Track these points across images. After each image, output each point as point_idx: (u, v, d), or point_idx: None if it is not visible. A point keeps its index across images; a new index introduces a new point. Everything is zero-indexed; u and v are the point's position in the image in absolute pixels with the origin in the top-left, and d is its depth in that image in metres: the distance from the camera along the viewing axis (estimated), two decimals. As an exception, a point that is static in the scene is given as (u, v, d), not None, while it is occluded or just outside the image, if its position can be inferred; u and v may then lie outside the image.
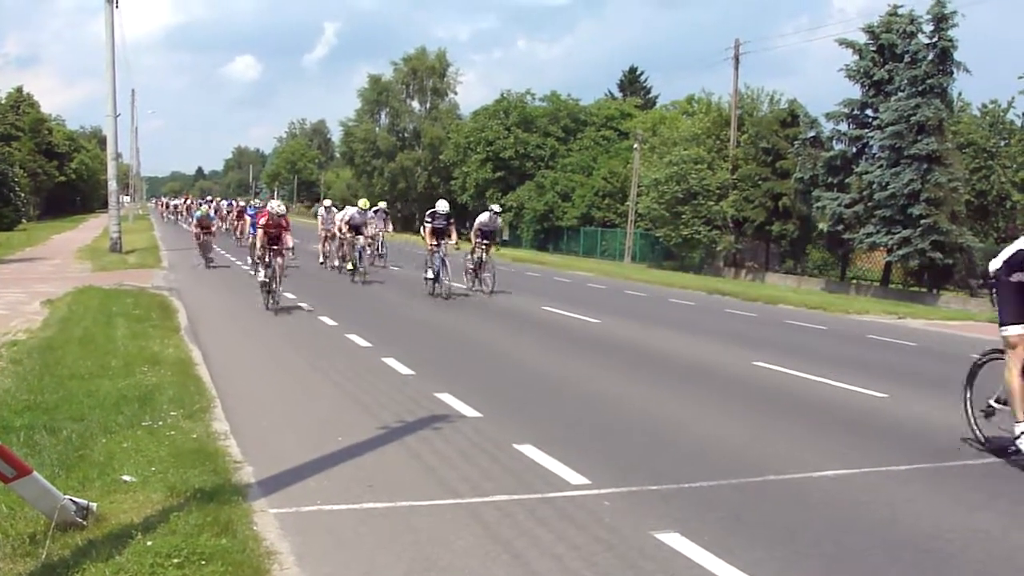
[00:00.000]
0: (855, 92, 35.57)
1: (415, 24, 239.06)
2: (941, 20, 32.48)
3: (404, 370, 10.44)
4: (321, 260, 27.28)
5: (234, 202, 49.72)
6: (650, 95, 68.30)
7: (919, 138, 31.73)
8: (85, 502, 4.87)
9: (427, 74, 73.74)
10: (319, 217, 28.72)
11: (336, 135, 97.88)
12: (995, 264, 7.40)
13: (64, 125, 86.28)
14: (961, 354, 15.28)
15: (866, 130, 34.58)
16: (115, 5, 30.82)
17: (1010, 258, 7.27)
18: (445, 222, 19.70)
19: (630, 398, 9.60)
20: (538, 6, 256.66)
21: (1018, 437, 7.04)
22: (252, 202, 33.64)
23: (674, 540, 5.16)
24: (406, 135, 74.85)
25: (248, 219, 25.50)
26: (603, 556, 4.97)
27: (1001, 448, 7.33)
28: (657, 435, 7.98)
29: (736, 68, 42.86)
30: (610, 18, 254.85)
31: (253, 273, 20.78)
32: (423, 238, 20.55)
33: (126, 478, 5.65)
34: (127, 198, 74.17)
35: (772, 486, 6.47)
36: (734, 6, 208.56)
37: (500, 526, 5.40)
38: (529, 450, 6.98)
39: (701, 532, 5.29)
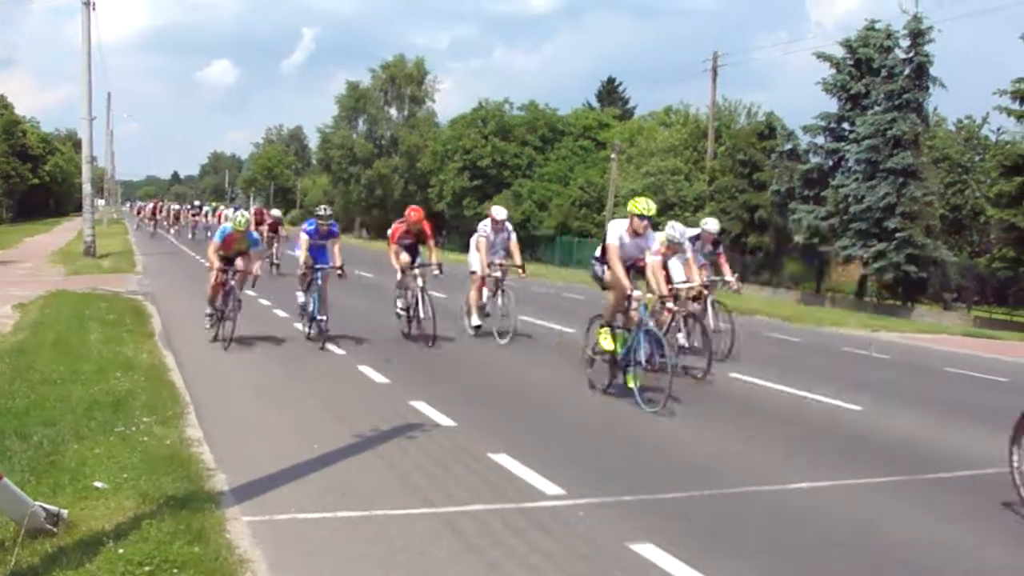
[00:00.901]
0: (832, 105, 35.95)
1: (393, 31, 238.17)
2: (918, 35, 32.83)
3: (380, 378, 10.40)
4: (476, 324, 14.58)
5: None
6: (628, 106, 68.41)
7: (895, 152, 32.06)
8: (56, 509, 4.81)
9: (405, 81, 73.58)
10: (483, 238, 14.63)
11: (313, 141, 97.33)
12: None
13: (39, 127, 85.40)
14: (934, 367, 15.45)
15: (842, 143, 34.89)
16: (92, 7, 30.59)
17: None
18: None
19: (604, 409, 9.59)
20: (517, 16, 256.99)
21: None
22: (316, 211, 13.95)
23: (648, 551, 5.16)
24: (383, 142, 74.63)
25: (306, 238, 13.22)
26: (578, 567, 4.97)
27: None
28: (632, 446, 7.99)
29: (714, 80, 43.25)
30: (589, 28, 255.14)
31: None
32: None
33: (98, 484, 5.58)
34: (102, 202, 73.44)
35: (747, 498, 6.49)
36: (713, 19, 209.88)
37: (475, 536, 5.38)
38: (504, 460, 6.96)
39: (676, 543, 5.29)
